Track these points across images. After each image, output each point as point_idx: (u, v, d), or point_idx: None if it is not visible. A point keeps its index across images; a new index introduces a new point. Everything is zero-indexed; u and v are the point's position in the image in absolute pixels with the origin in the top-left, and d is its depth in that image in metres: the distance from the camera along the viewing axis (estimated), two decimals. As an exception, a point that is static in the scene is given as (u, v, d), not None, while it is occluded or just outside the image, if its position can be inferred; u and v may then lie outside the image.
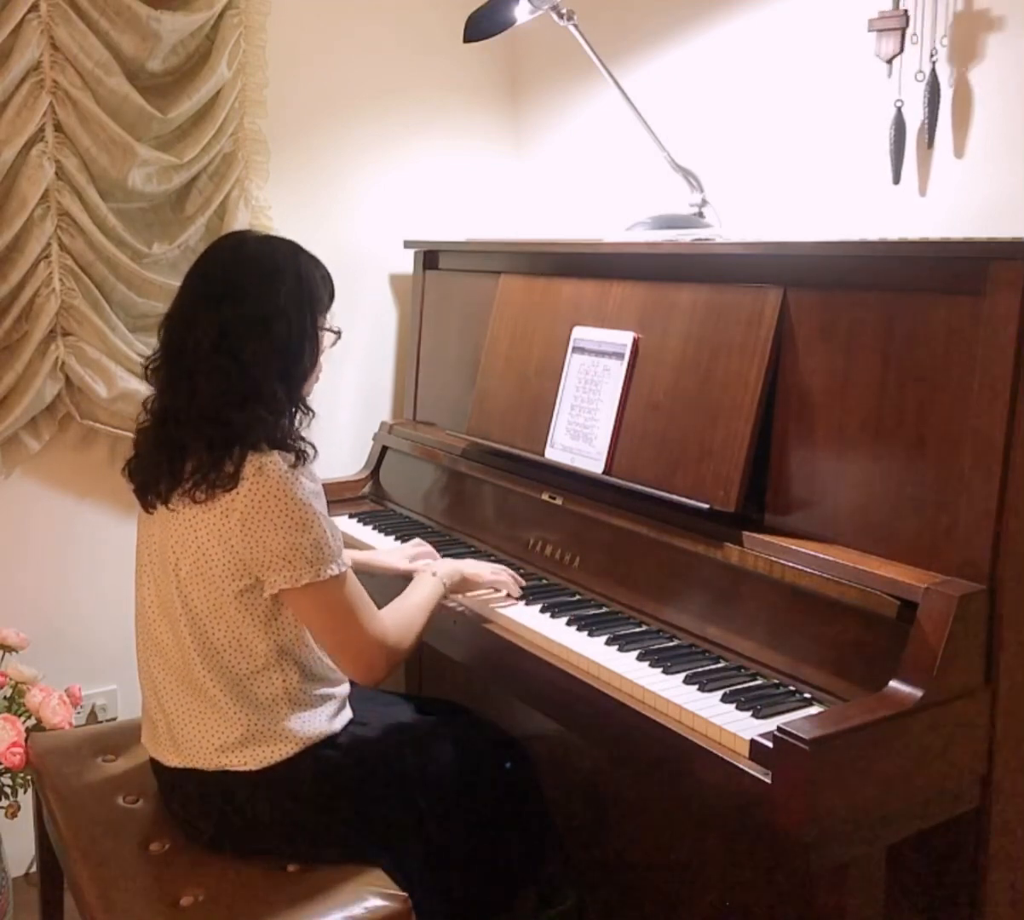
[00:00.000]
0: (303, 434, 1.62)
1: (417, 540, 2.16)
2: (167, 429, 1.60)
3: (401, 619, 1.69)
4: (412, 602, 1.75)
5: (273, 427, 1.56)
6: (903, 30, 1.88)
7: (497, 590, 1.92)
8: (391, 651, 1.63)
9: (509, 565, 2.07)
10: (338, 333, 1.72)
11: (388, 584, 1.95)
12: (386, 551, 2.14)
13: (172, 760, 1.64)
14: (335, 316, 1.72)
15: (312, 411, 1.66)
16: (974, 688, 1.41)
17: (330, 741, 1.66)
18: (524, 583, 1.94)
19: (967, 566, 1.43)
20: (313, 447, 1.61)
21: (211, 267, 1.64)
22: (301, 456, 1.57)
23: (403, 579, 1.98)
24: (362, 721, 1.73)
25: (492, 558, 2.12)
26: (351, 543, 2.28)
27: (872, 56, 1.96)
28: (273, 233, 1.79)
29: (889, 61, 1.92)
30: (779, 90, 2.19)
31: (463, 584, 1.88)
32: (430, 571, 1.84)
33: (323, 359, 1.70)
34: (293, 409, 1.62)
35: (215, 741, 1.59)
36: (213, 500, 1.53)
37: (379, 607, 1.67)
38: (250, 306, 1.57)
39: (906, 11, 1.89)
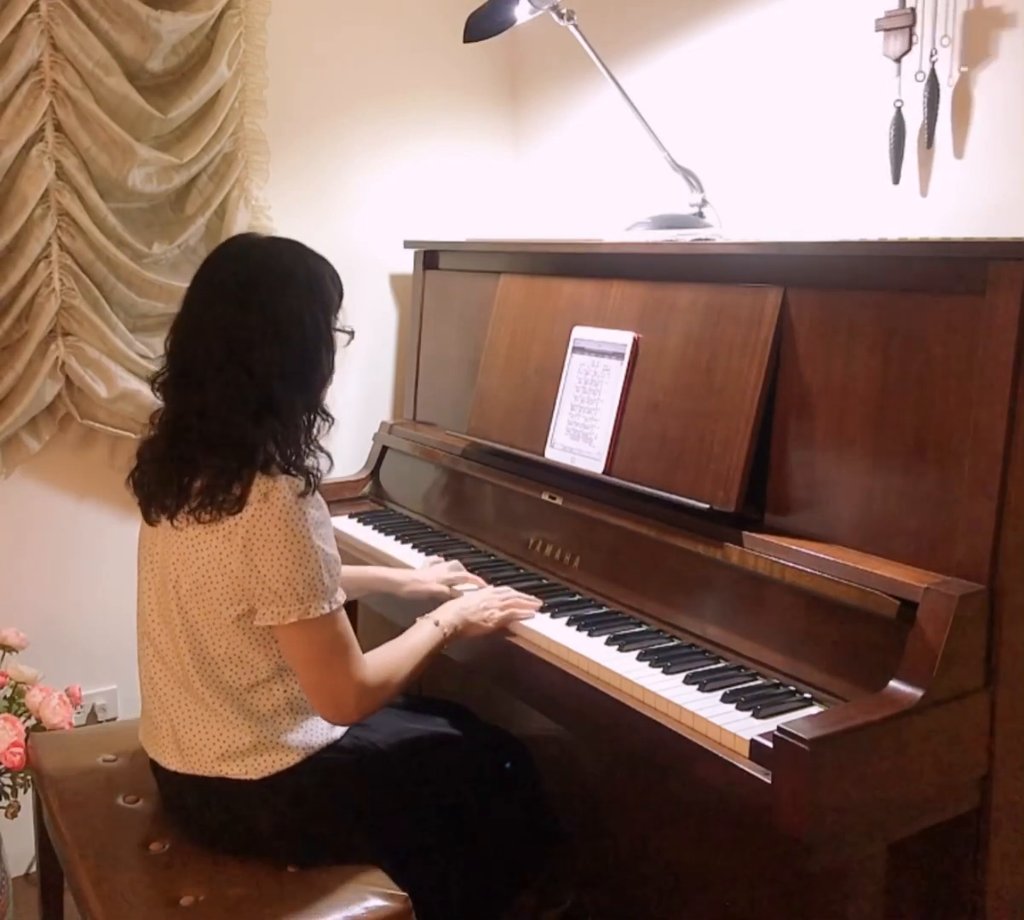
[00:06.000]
0: (320, 442, 1.59)
1: (456, 562, 2.03)
2: (177, 447, 1.55)
3: (386, 663, 1.62)
4: (403, 648, 1.67)
5: (287, 444, 1.52)
6: (910, 28, 1.88)
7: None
8: (366, 696, 1.57)
9: (509, 565, 2.07)
10: (351, 333, 1.66)
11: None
12: (418, 571, 2.02)
13: (173, 764, 1.63)
14: (343, 315, 1.69)
15: (331, 418, 1.61)
16: (974, 688, 1.41)
17: (332, 745, 1.65)
18: (539, 604, 1.84)
19: (967, 566, 1.43)
20: (329, 457, 1.59)
21: (217, 273, 1.58)
22: (310, 481, 1.52)
23: (434, 601, 1.89)
24: (363, 723, 1.72)
25: (492, 558, 2.12)
26: (350, 543, 2.28)
27: (871, 56, 1.96)
28: (275, 234, 1.77)
29: (898, 60, 1.91)
30: (778, 90, 2.19)
31: (468, 630, 1.76)
32: (432, 620, 1.73)
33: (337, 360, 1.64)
34: (311, 417, 1.58)
35: (218, 748, 1.58)
36: (217, 522, 1.50)
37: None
38: (261, 313, 1.52)
39: (913, 9, 1.88)
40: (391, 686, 1.61)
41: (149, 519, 1.61)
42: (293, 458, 1.52)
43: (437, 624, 1.73)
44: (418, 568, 2.05)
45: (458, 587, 1.95)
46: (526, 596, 1.86)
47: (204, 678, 1.57)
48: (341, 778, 1.64)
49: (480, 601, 1.81)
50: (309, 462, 1.55)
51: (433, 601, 1.89)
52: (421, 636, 1.71)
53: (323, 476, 1.56)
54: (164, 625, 1.61)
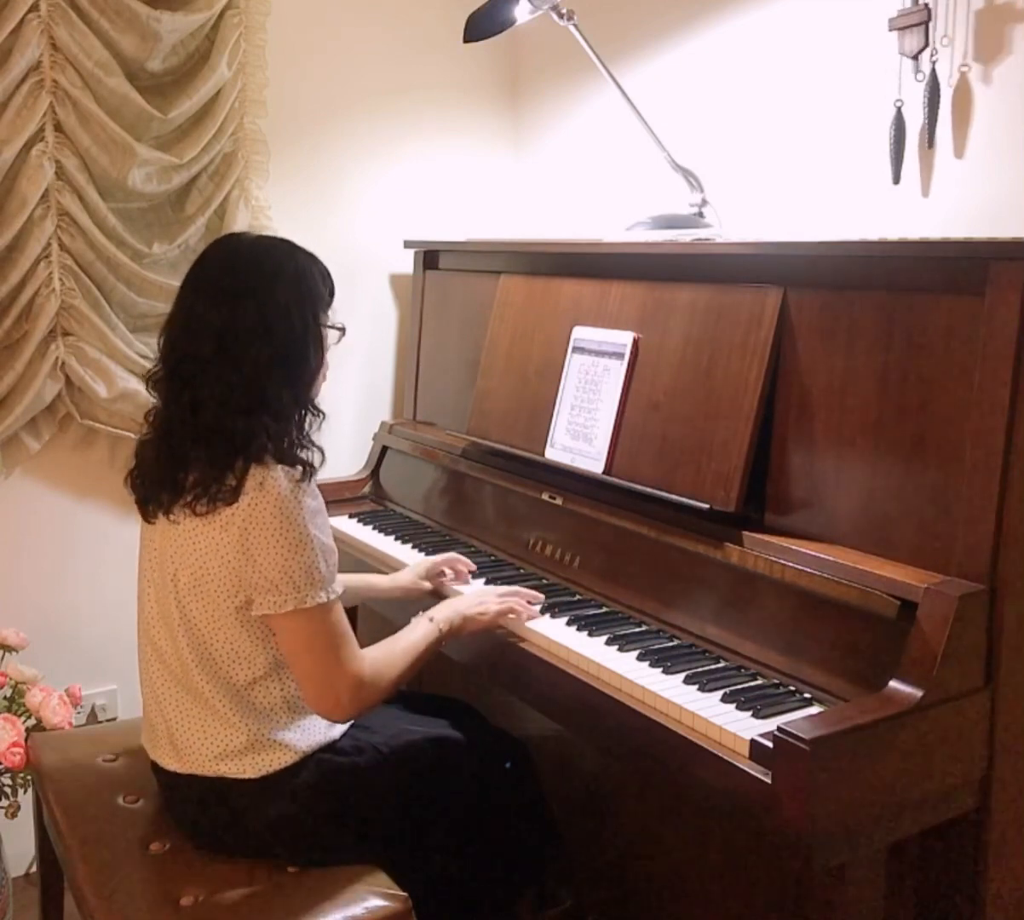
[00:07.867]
0: (313, 437, 1.60)
1: (450, 555, 2.03)
2: (170, 442, 1.56)
3: (382, 659, 1.61)
4: (399, 644, 1.66)
5: (279, 436, 1.52)
6: (926, 24, 1.86)
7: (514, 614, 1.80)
8: (361, 690, 1.55)
9: (509, 565, 2.07)
10: (342, 330, 1.68)
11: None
12: (401, 572, 2.01)
13: (172, 765, 1.63)
14: (336, 314, 1.70)
15: (322, 413, 1.63)
16: (974, 688, 1.41)
17: (331, 746, 1.65)
18: (542, 597, 1.84)
19: (967, 566, 1.43)
20: (321, 452, 1.59)
21: (206, 272, 1.60)
22: (306, 471, 1.53)
23: (421, 597, 1.95)
24: (363, 723, 1.72)
25: (492, 558, 2.12)
26: (350, 543, 2.28)
27: (871, 56, 1.96)
28: (271, 233, 1.77)
29: (915, 57, 1.89)
30: (779, 90, 2.19)
31: (466, 625, 1.75)
32: (428, 616, 1.73)
33: (328, 357, 1.66)
34: (302, 412, 1.59)
35: (215, 748, 1.58)
36: (214, 513, 1.50)
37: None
38: (249, 309, 1.53)
39: (927, 5, 1.86)
40: (386, 682, 1.60)
41: (146, 517, 1.62)
42: (287, 448, 1.53)
43: (432, 620, 1.72)
44: (407, 568, 2.04)
45: (443, 578, 2.00)
46: (528, 591, 1.86)
47: (206, 674, 1.57)
48: (340, 779, 1.63)
49: (476, 597, 1.81)
50: (303, 454, 1.56)
51: (431, 598, 1.90)
52: (417, 633, 1.70)
53: (318, 468, 1.57)
54: (163, 623, 1.61)
